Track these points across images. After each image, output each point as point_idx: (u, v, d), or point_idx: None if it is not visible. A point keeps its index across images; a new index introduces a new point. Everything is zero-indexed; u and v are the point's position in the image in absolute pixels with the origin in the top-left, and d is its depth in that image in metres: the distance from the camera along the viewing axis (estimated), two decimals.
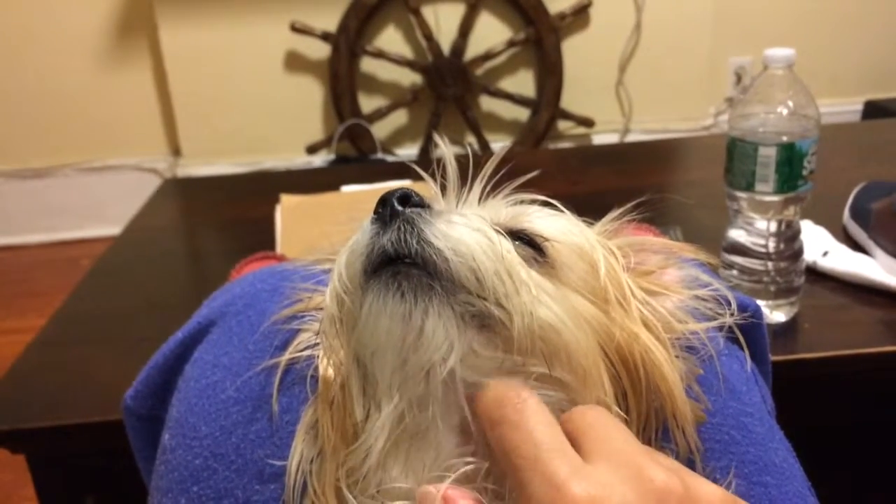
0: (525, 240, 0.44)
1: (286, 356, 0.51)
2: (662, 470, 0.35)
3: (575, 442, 0.37)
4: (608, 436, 0.37)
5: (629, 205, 0.51)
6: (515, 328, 0.39)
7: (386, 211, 0.40)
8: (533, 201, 0.48)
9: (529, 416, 0.37)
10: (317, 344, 0.50)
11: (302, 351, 0.51)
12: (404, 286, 0.39)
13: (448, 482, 0.39)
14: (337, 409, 0.45)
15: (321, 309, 0.47)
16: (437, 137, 0.49)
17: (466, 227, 0.40)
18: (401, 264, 0.40)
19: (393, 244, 0.40)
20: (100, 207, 2.77)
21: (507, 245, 0.41)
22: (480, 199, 0.48)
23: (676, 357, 0.46)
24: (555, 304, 0.41)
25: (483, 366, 0.40)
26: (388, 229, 0.40)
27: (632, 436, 0.38)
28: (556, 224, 0.46)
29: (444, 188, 0.47)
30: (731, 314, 0.49)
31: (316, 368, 0.49)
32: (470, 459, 0.40)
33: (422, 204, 0.41)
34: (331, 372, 0.47)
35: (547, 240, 0.44)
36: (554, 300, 0.41)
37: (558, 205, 0.48)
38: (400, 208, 0.40)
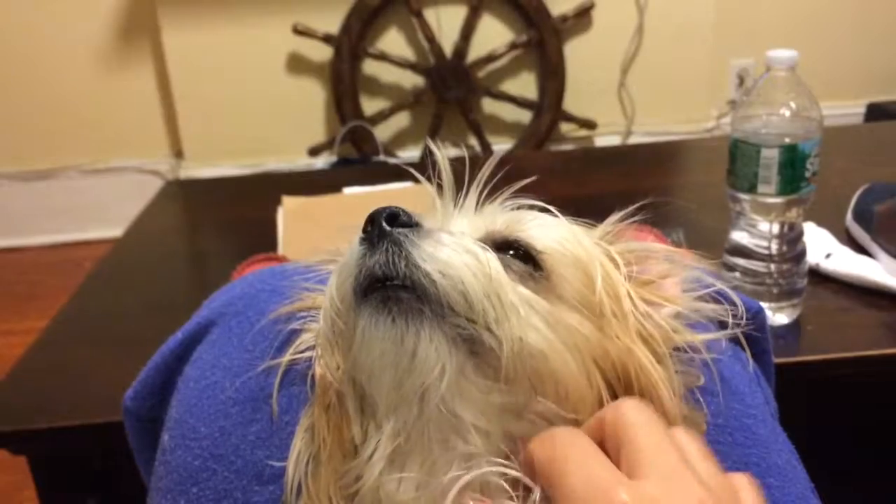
0: (520, 251, 0.44)
1: (286, 357, 0.51)
2: (702, 488, 0.35)
3: (615, 449, 0.37)
4: (650, 447, 0.36)
5: (631, 208, 0.51)
6: (504, 355, 0.39)
7: (374, 231, 0.40)
8: (531, 206, 0.47)
9: (577, 439, 0.38)
10: (315, 346, 0.50)
11: (302, 352, 0.51)
12: (394, 310, 0.39)
13: (461, 481, 0.39)
14: (333, 414, 0.45)
15: (320, 308, 0.47)
16: (430, 143, 0.48)
17: (455, 249, 0.40)
18: (390, 287, 0.39)
19: (381, 267, 0.39)
20: (102, 209, 2.77)
21: (496, 265, 0.40)
22: (478, 203, 0.47)
23: (676, 372, 0.45)
24: (545, 327, 0.41)
25: (475, 389, 0.40)
26: (376, 251, 0.40)
27: (669, 441, 0.37)
28: (552, 233, 0.45)
29: (442, 191, 0.46)
30: (740, 318, 0.48)
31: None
32: (492, 469, 0.40)
33: (410, 223, 0.40)
34: (328, 377, 0.47)
35: (541, 253, 0.44)
36: (545, 321, 0.41)
37: (555, 211, 0.48)
38: (388, 228, 0.40)
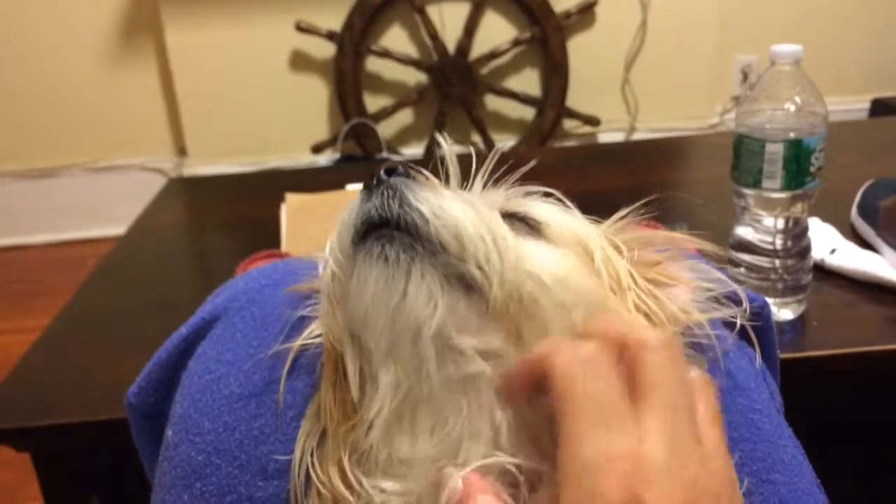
0: (520, 219, 0.45)
1: (297, 342, 0.51)
2: (702, 468, 0.34)
3: (629, 379, 0.35)
4: (667, 410, 0.34)
5: (637, 204, 0.51)
6: (493, 292, 0.39)
7: (373, 181, 0.42)
8: (533, 193, 0.48)
9: (598, 363, 0.35)
10: (320, 335, 0.50)
11: (312, 339, 0.51)
12: (387, 249, 0.40)
13: (471, 467, 0.39)
14: (339, 390, 0.46)
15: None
16: (438, 136, 0.49)
17: (452, 199, 0.41)
18: (384, 229, 0.40)
19: (377, 209, 0.41)
20: (106, 207, 2.78)
21: (494, 215, 0.41)
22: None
23: None
24: (539, 273, 0.41)
25: (470, 327, 0.40)
26: (373, 196, 0.41)
27: (687, 405, 0.35)
28: (552, 211, 0.46)
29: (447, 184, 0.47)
30: (744, 311, 0.48)
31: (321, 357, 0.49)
32: (497, 455, 0.40)
33: (408, 175, 0.42)
34: (331, 339, 0.47)
35: (540, 223, 0.45)
36: (540, 266, 0.41)
37: (560, 195, 0.48)
38: (385, 178, 0.41)
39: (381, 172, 0.42)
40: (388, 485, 0.41)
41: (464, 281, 0.40)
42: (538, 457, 0.39)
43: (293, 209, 1.35)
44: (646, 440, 0.33)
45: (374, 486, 0.41)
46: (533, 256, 0.42)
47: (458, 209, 0.41)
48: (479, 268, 0.40)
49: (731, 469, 0.36)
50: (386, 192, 0.41)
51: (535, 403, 0.38)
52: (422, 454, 0.41)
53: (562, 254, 0.44)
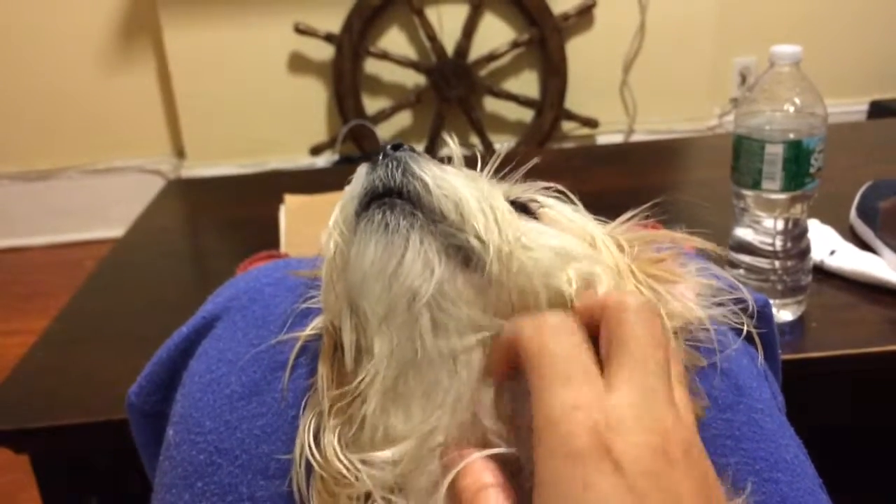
0: (521, 205, 0.45)
1: (302, 335, 0.51)
2: (672, 416, 0.35)
3: (607, 339, 0.37)
4: (640, 358, 0.36)
5: (642, 207, 0.51)
6: (489, 259, 0.40)
7: (379, 156, 0.43)
8: (538, 188, 0.48)
9: (567, 334, 0.37)
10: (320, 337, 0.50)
11: (316, 330, 0.51)
12: (388, 216, 0.41)
13: (477, 455, 0.39)
14: (336, 361, 0.46)
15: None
16: (446, 136, 0.49)
17: (456, 173, 0.42)
18: (387, 197, 0.41)
19: (381, 178, 0.42)
20: (104, 209, 2.77)
21: (496, 192, 0.42)
22: None
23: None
24: (536, 250, 0.41)
25: (465, 297, 0.40)
26: (378, 168, 0.42)
27: (660, 356, 0.36)
28: (554, 201, 0.47)
29: None
30: (751, 317, 0.48)
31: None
32: (485, 425, 0.40)
33: (413, 150, 0.43)
34: (330, 315, 0.47)
35: (541, 206, 0.45)
36: (537, 241, 0.42)
37: (567, 192, 0.48)
38: (391, 152, 0.42)
39: (388, 147, 0.42)
40: (381, 454, 0.41)
41: (462, 251, 0.40)
42: (525, 434, 0.39)
43: (292, 211, 1.35)
44: (614, 392, 0.34)
45: (363, 460, 0.41)
46: (531, 232, 0.42)
47: (461, 182, 0.41)
48: (478, 238, 0.40)
49: (696, 430, 0.37)
50: (391, 164, 0.42)
51: (518, 379, 0.39)
52: (416, 429, 0.41)
53: (559, 233, 0.44)
